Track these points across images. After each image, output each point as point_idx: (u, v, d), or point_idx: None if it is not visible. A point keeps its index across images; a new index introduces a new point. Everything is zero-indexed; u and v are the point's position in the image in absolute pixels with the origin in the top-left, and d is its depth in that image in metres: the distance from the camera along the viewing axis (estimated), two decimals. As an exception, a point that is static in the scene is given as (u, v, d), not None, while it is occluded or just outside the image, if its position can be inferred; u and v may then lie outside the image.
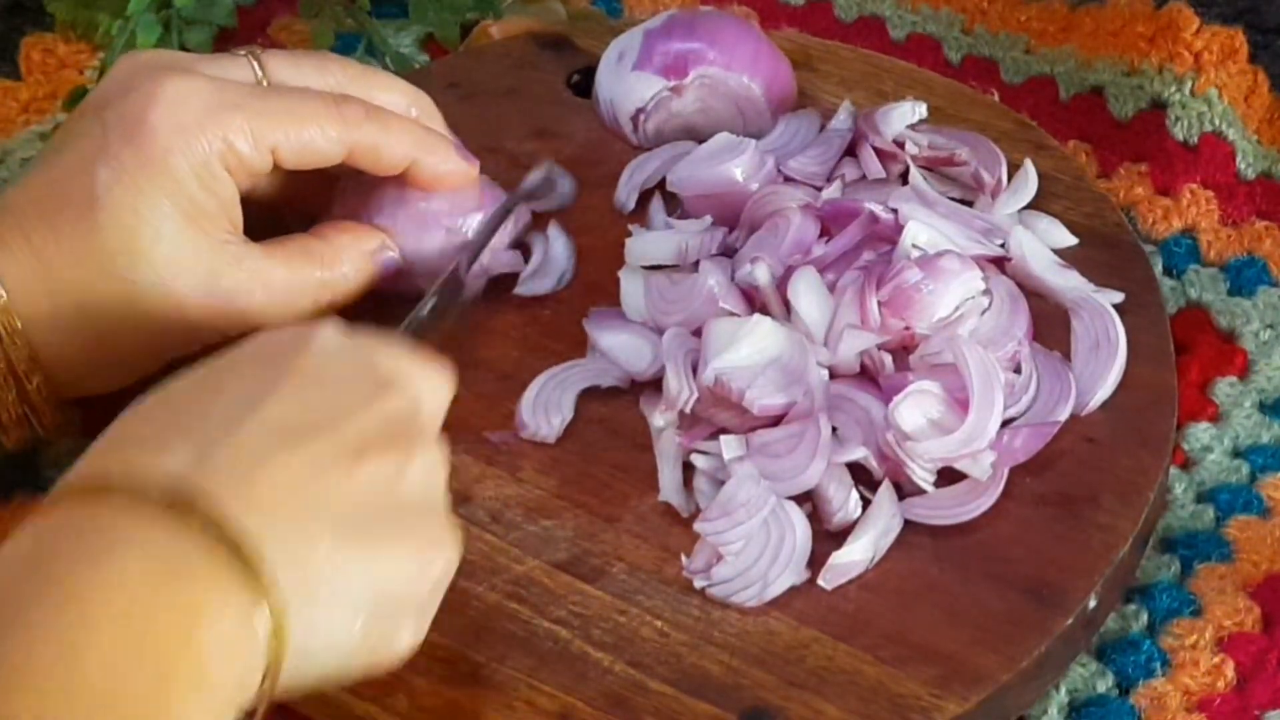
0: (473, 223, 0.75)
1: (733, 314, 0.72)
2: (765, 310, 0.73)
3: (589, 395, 0.74)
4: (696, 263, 0.76)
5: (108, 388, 0.71)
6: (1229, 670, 0.67)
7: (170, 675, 0.51)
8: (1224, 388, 0.77)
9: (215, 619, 0.52)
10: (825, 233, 0.76)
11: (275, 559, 0.53)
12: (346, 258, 0.73)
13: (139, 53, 0.73)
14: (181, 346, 0.70)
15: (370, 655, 0.59)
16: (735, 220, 0.78)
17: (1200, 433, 0.76)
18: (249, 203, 0.72)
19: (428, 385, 0.62)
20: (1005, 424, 0.70)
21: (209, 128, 0.69)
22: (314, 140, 0.71)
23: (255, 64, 0.73)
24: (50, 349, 0.68)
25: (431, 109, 0.77)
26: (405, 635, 0.59)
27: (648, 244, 0.77)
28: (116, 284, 0.68)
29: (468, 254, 0.75)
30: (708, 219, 0.77)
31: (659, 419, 0.72)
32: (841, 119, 0.82)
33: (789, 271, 0.73)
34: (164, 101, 0.68)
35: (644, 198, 0.81)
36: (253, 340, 0.61)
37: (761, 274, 0.73)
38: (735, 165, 0.78)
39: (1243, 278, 0.81)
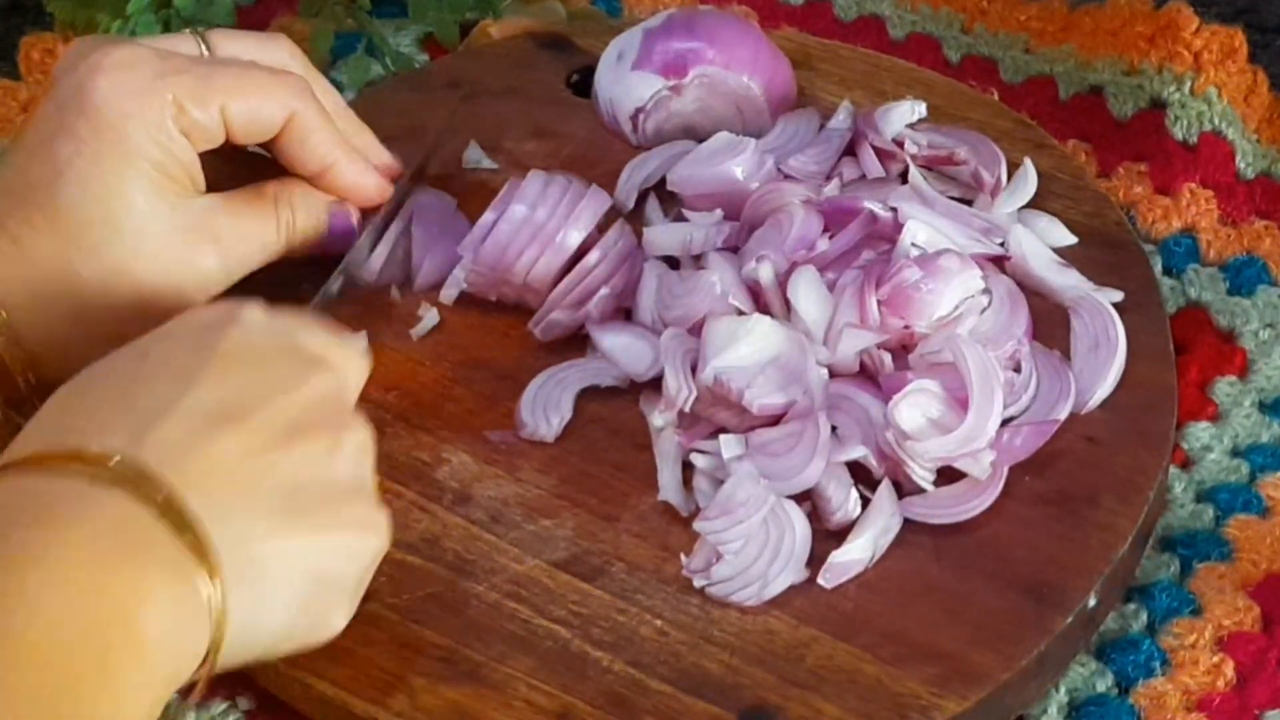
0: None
1: (741, 311, 0.72)
2: (766, 308, 0.73)
3: (589, 394, 0.74)
4: (697, 259, 0.76)
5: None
6: (1228, 670, 0.67)
7: (112, 649, 0.51)
8: (1224, 387, 0.77)
9: (159, 595, 0.53)
10: (826, 229, 0.76)
11: (218, 537, 0.54)
12: (301, 204, 0.74)
13: (86, 37, 0.74)
14: (157, 322, 0.70)
15: (305, 634, 0.60)
16: (735, 219, 0.77)
17: (1200, 432, 0.76)
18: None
19: (350, 363, 0.63)
20: (1005, 423, 0.70)
21: (158, 90, 0.69)
22: (260, 108, 0.71)
23: (200, 42, 0.74)
24: (34, 336, 0.68)
25: (359, 123, 0.78)
26: (338, 615, 0.61)
27: (655, 235, 0.77)
28: (90, 259, 0.68)
29: (372, 235, 0.76)
30: (718, 213, 0.77)
31: (658, 418, 0.72)
32: (841, 118, 0.82)
33: (792, 267, 0.73)
34: (110, 69, 0.69)
35: (642, 197, 0.81)
36: (177, 320, 0.61)
37: (765, 272, 0.73)
38: (735, 164, 0.78)
39: (1242, 277, 0.81)
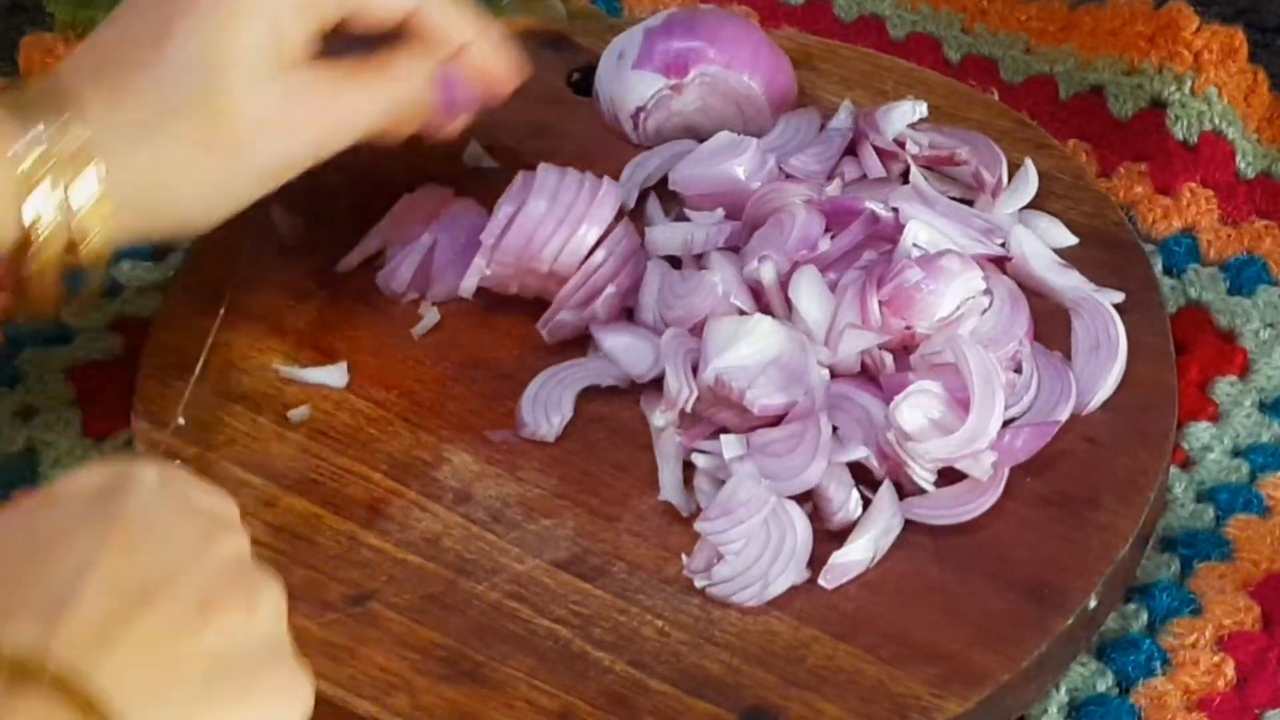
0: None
1: (742, 311, 0.72)
2: (767, 308, 0.73)
3: (589, 394, 0.74)
4: (698, 258, 0.76)
5: (176, 234, 0.72)
6: (1229, 669, 0.67)
7: None
8: (1224, 387, 0.77)
9: None
10: (828, 229, 0.76)
11: None
12: (406, 75, 0.72)
13: None
14: (250, 186, 0.70)
15: None
16: (737, 218, 0.77)
17: (1200, 432, 0.76)
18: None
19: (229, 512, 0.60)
20: (1006, 424, 0.70)
21: None
22: None
23: None
24: (122, 190, 0.67)
25: None
26: None
27: (657, 235, 0.77)
28: (192, 111, 0.67)
29: None
30: (720, 212, 0.77)
31: (659, 418, 0.72)
32: (842, 118, 0.82)
33: (794, 267, 0.73)
34: None
35: (642, 196, 0.81)
36: (62, 486, 0.57)
37: (767, 272, 0.73)
38: (737, 164, 0.78)
39: (1242, 277, 0.81)
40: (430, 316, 0.77)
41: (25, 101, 0.66)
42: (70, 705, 0.50)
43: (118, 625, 0.52)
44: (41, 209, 0.66)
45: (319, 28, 0.70)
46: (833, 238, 0.75)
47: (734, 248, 0.76)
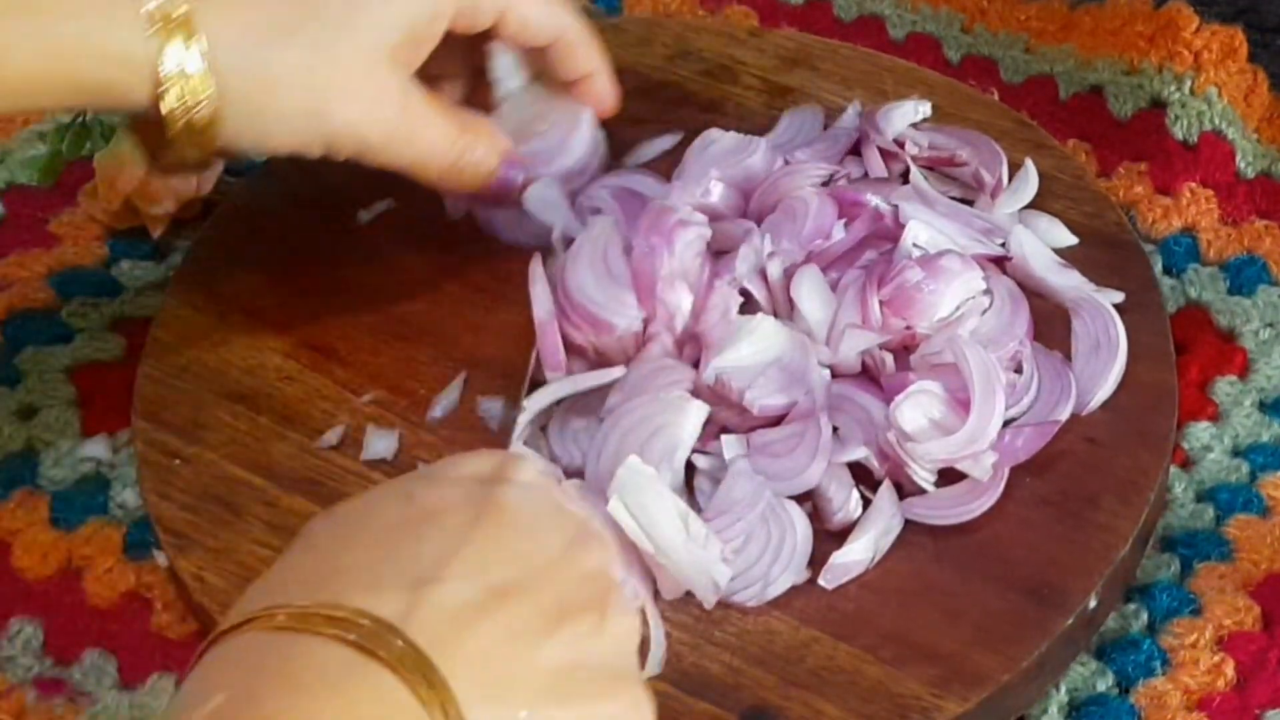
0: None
1: (747, 300, 0.73)
2: (757, 306, 0.73)
3: (590, 394, 0.74)
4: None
5: (253, 151, 0.74)
6: (1229, 669, 0.67)
7: None
8: (1224, 387, 0.77)
9: None
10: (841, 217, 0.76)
11: None
12: (485, 143, 0.75)
13: None
14: (328, 143, 0.71)
15: None
16: (744, 216, 0.78)
17: (1200, 432, 0.76)
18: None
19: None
20: (1006, 424, 0.70)
21: None
22: (540, 15, 0.76)
23: None
24: (229, 93, 0.68)
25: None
26: None
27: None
28: (311, 53, 0.69)
29: None
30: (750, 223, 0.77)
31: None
32: (849, 116, 0.82)
33: (809, 257, 0.73)
34: None
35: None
36: (444, 464, 0.59)
37: (774, 268, 0.73)
38: (749, 163, 0.78)
39: (1242, 277, 0.81)
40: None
41: None
42: (411, 683, 0.50)
43: (473, 616, 0.53)
44: (176, 63, 0.67)
45: (464, 26, 0.74)
46: (846, 226, 0.75)
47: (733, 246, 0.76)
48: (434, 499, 0.56)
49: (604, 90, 0.79)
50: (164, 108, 0.67)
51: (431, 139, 0.73)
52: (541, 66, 0.79)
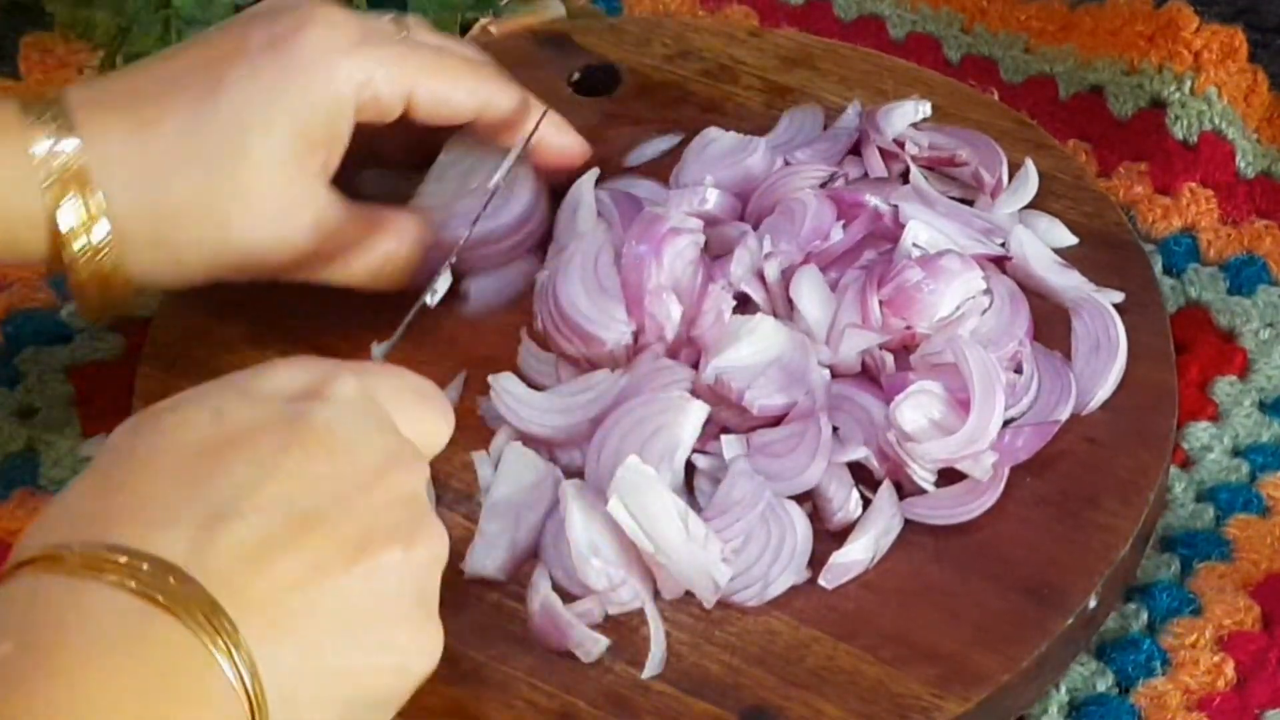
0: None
1: (743, 300, 0.73)
2: (754, 306, 0.73)
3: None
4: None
5: (169, 285, 0.73)
6: (1229, 669, 0.67)
7: None
8: (1224, 387, 0.77)
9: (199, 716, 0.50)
10: (839, 219, 0.76)
11: (264, 662, 0.51)
12: (406, 238, 0.73)
13: None
14: (241, 266, 0.70)
15: None
16: (743, 219, 0.78)
17: (1200, 432, 0.76)
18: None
19: (425, 421, 0.61)
20: (1006, 424, 0.70)
21: (356, 57, 0.69)
22: (452, 93, 0.72)
23: (398, 29, 0.74)
24: (121, 220, 0.68)
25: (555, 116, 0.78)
26: None
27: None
28: (202, 172, 0.68)
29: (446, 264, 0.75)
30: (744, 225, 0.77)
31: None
32: (849, 116, 0.82)
33: (807, 258, 0.73)
34: (319, 24, 0.69)
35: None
36: (258, 375, 0.58)
37: (771, 269, 0.73)
38: (748, 163, 0.78)
39: (1242, 277, 0.81)
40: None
41: (35, 111, 0.67)
42: (193, 628, 0.50)
43: (268, 553, 0.53)
44: (74, 218, 0.66)
45: (373, 116, 0.71)
46: (845, 226, 0.75)
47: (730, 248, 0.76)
48: (245, 419, 0.56)
49: (557, 146, 0.77)
50: (66, 258, 0.67)
51: (345, 250, 0.72)
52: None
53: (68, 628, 0.50)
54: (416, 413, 0.61)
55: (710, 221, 0.75)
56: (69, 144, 0.66)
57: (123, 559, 0.51)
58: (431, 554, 0.57)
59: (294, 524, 0.54)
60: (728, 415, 0.71)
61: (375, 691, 0.57)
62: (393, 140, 0.76)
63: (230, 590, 0.52)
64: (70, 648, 0.50)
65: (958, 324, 0.72)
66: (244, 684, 0.51)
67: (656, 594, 0.67)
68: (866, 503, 0.69)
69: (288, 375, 0.58)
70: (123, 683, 0.49)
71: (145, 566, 0.51)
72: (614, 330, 0.72)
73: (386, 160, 0.77)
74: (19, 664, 0.49)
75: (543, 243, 0.78)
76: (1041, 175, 0.80)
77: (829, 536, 0.68)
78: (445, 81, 0.72)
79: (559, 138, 0.77)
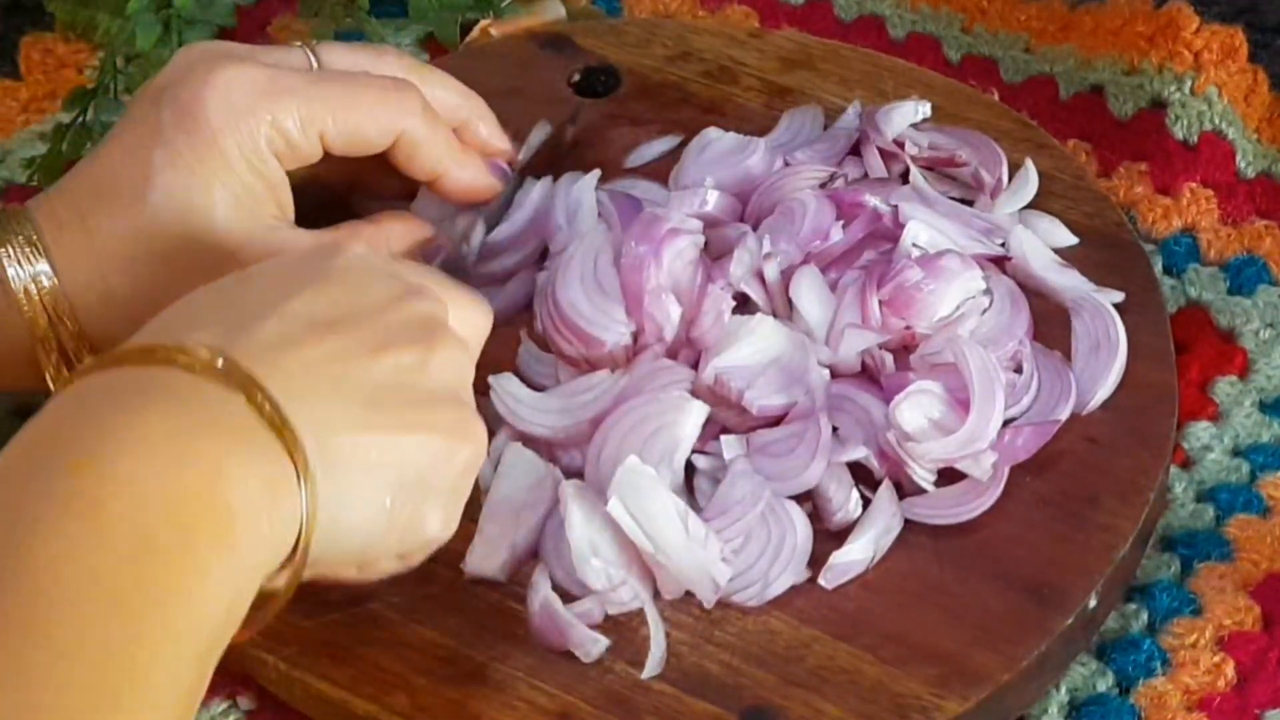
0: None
1: (744, 300, 0.73)
2: (753, 305, 0.73)
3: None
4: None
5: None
6: (1229, 669, 0.67)
7: (197, 524, 0.51)
8: (1224, 387, 0.77)
9: (245, 474, 0.52)
10: (838, 219, 0.76)
11: (303, 427, 0.54)
12: (396, 247, 0.73)
13: (197, 44, 0.74)
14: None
15: (400, 537, 0.60)
16: (742, 219, 0.78)
17: (1200, 432, 0.76)
18: (314, 187, 0.73)
19: (462, 309, 0.64)
20: (1006, 423, 0.70)
21: (258, 111, 0.69)
22: (363, 126, 0.72)
23: (310, 55, 0.74)
24: (99, 326, 0.69)
25: (484, 109, 0.78)
26: (433, 520, 0.60)
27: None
28: (163, 266, 0.69)
29: (486, 221, 0.77)
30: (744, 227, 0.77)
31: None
32: (849, 117, 0.82)
33: (807, 258, 0.73)
34: (217, 87, 0.69)
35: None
36: (286, 252, 0.63)
37: (771, 270, 0.73)
38: (748, 164, 0.78)
39: (1242, 277, 0.81)
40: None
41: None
42: (237, 390, 0.54)
43: (293, 343, 0.57)
44: (28, 277, 0.69)
45: (285, 177, 0.71)
46: (844, 226, 0.75)
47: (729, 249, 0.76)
48: (267, 269, 0.61)
49: (463, 184, 0.76)
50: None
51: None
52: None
53: (126, 391, 0.53)
54: (453, 294, 0.64)
55: (710, 222, 0.75)
56: (42, 268, 0.69)
57: (165, 349, 0.54)
58: (452, 361, 0.61)
59: (317, 327, 0.58)
60: (727, 415, 0.71)
61: (420, 474, 0.59)
62: (379, 172, 0.75)
63: (265, 366, 0.55)
64: (105, 413, 0.52)
65: (958, 324, 0.72)
66: (284, 443, 0.54)
67: (656, 594, 0.67)
68: (866, 503, 0.69)
69: (306, 241, 0.66)
70: (155, 430, 0.52)
71: (183, 356, 0.54)
72: (613, 331, 0.72)
73: (384, 194, 0.77)
74: (78, 417, 0.53)
75: (544, 256, 0.78)
76: (1041, 175, 0.80)
77: (829, 536, 0.68)
78: (355, 114, 0.71)
79: (467, 176, 0.76)
